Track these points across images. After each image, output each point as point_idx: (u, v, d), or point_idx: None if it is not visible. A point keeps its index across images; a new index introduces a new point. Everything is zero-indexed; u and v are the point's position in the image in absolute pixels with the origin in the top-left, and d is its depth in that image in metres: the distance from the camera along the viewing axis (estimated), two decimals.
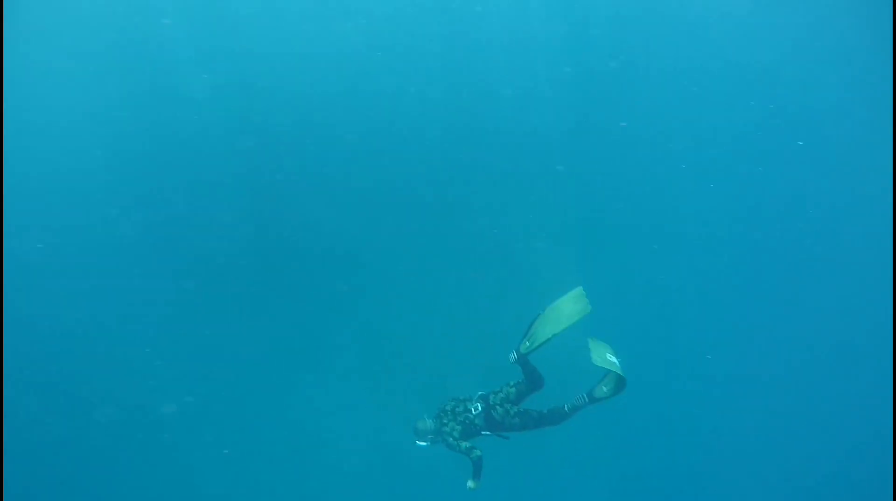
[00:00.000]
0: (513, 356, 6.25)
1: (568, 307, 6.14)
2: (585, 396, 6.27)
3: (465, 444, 6.12)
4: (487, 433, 6.28)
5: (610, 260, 9.88)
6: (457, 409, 6.36)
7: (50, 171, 9.48)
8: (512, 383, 6.34)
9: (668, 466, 9.32)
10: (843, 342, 9.78)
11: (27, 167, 9.27)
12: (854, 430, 9.43)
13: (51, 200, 9.45)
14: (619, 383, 6.11)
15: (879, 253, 9.66)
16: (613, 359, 6.02)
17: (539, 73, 10.56)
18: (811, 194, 10.30)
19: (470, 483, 6.10)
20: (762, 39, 10.54)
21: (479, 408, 6.30)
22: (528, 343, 6.16)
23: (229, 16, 10.14)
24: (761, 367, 9.76)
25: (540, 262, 9.55)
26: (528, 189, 10.20)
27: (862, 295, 9.85)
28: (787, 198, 10.36)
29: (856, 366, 9.69)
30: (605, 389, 6.23)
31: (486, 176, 10.20)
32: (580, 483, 9.24)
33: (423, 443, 6.28)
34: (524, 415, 6.25)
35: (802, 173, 10.28)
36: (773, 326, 9.91)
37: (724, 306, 10.12)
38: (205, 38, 9.99)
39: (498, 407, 6.25)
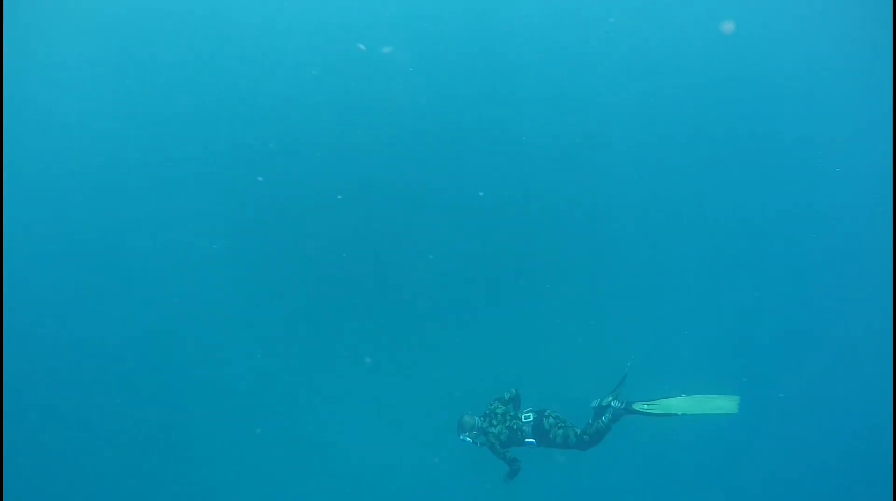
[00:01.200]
0: (596, 402, 6.37)
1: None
2: (622, 404, 6.23)
3: (509, 454, 6.23)
4: (532, 441, 6.33)
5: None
6: (508, 413, 6.41)
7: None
8: (571, 423, 6.37)
9: (666, 466, 9.30)
10: (843, 343, 9.76)
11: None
12: (854, 430, 9.41)
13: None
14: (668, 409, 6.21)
15: (880, 253, 9.67)
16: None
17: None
18: (810, 195, 10.30)
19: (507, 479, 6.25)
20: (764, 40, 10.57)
21: (531, 417, 6.38)
22: (616, 402, 6.24)
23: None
24: (759, 368, 9.75)
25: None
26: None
27: (862, 295, 9.84)
28: (787, 199, 10.36)
29: (856, 366, 9.67)
30: (645, 406, 6.22)
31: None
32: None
33: (467, 439, 6.30)
34: (569, 429, 6.30)
35: (801, 174, 10.30)
36: (771, 326, 9.91)
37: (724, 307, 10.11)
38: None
39: (550, 418, 6.33)
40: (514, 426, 6.32)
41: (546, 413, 6.38)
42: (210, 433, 9.31)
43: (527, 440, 6.33)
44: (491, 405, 6.50)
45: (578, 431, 6.26)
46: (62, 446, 9.18)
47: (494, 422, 6.32)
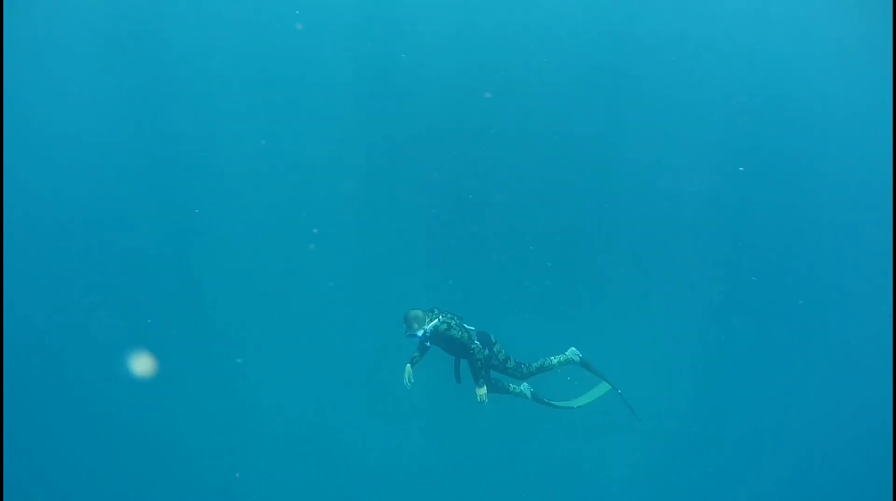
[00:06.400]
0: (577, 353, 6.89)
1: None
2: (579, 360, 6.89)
3: (465, 334, 6.09)
4: (478, 344, 6.11)
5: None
6: (455, 316, 6.26)
7: None
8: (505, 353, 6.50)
9: (665, 467, 9.30)
10: (842, 343, 9.76)
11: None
12: (854, 431, 9.41)
13: None
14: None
15: (880, 253, 9.66)
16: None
17: None
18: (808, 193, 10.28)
19: (481, 392, 5.97)
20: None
21: (474, 330, 6.32)
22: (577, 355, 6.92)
23: None
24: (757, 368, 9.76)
25: None
26: None
27: (862, 296, 9.83)
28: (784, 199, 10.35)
29: (856, 367, 9.66)
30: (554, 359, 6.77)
31: None
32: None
33: (427, 331, 5.95)
34: (510, 356, 6.50)
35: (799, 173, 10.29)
36: (768, 326, 9.91)
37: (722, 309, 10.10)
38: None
39: (498, 344, 6.42)
40: (462, 327, 6.18)
41: (491, 336, 6.38)
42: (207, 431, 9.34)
43: (474, 343, 6.08)
44: (433, 311, 6.20)
45: (521, 360, 6.50)
46: (61, 445, 9.19)
47: (443, 317, 6.11)
